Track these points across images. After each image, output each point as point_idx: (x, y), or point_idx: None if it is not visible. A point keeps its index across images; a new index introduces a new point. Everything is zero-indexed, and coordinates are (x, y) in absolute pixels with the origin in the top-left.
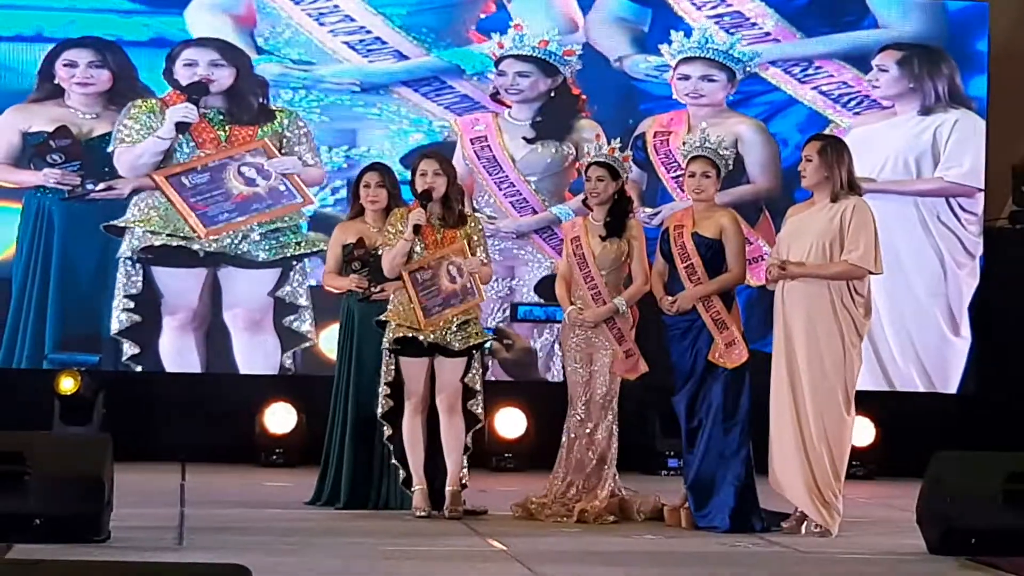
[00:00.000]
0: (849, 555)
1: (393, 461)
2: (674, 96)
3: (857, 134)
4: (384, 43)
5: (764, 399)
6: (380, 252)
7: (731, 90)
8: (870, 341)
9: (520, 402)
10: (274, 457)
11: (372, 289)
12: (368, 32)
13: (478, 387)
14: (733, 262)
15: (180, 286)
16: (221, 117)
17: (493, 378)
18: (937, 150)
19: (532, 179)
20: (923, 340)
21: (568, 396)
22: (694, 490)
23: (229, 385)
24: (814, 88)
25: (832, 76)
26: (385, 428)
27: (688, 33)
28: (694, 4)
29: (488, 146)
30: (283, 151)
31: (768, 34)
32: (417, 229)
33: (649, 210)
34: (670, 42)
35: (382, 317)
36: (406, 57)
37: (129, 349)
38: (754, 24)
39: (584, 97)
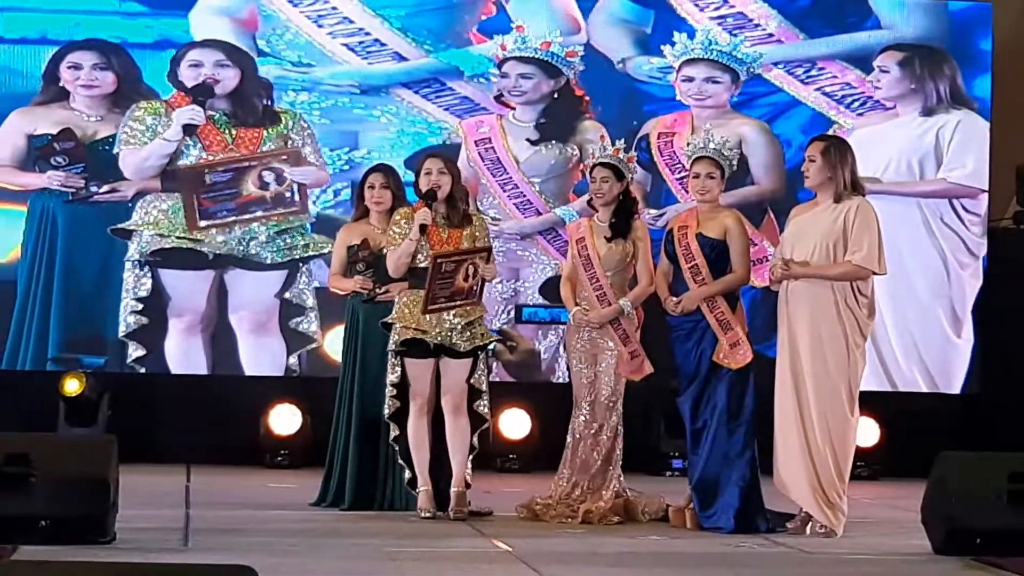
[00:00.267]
0: (854, 556)
1: (400, 461)
2: (678, 97)
3: (860, 135)
4: (383, 45)
5: (768, 400)
6: (384, 253)
7: (735, 91)
8: (874, 342)
9: (525, 403)
10: (279, 458)
11: (377, 290)
12: (367, 34)
13: (484, 388)
14: (737, 263)
15: (187, 288)
16: (227, 119)
17: (497, 379)
18: (940, 151)
19: (536, 180)
20: (927, 341)
21: (573, 397)
22: (699, 491)
23: (234, 386)
24: (817, 89)
25: (835, 77)
26: (392, 429)
27: (691, 35)
28: (697, 5)
29: (492, 148)
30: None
31: (771, 35)
32: (424, 229)
33: (653, 211)
34: (673, 43)
35: (387, 319)
36: (405, 59)
37: (134, 351)
38: (757, 25)
39: (587, 98)
